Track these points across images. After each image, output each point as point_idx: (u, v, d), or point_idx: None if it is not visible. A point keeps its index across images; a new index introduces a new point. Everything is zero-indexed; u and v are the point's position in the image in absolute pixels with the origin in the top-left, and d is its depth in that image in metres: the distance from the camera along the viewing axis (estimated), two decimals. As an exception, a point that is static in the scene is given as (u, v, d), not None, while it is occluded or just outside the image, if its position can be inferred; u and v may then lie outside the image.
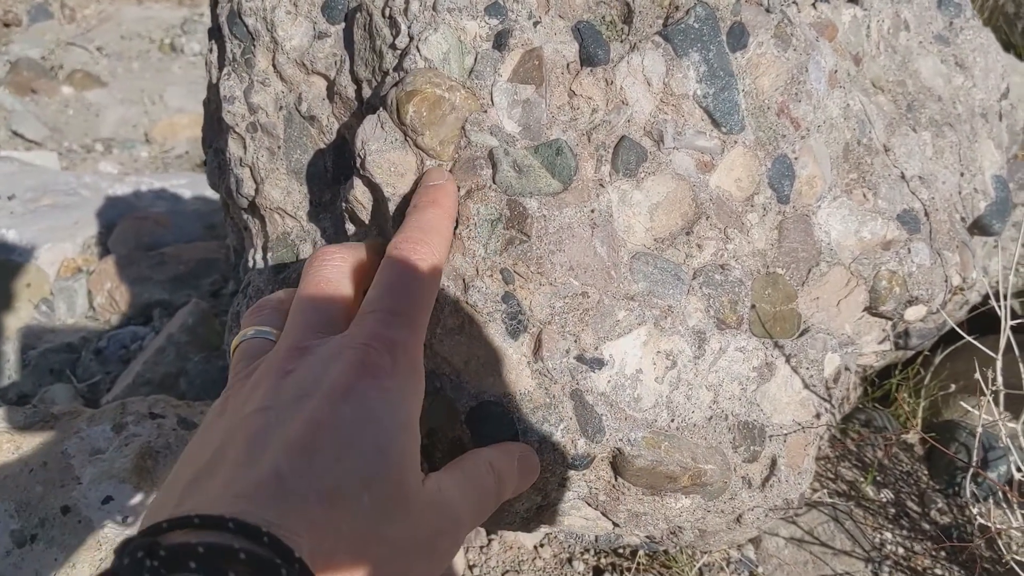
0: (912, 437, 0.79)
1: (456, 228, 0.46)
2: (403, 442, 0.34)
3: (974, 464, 0.58)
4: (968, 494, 0.65)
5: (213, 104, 0.64)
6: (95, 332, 1.41)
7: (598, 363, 0.47)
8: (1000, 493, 0.65)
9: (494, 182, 0.46)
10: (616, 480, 0.50)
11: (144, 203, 1.98)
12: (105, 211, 1.87)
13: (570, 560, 0.70)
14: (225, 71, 0.58)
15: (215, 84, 0.60)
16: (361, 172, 0.47)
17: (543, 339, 0.46)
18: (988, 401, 0.60)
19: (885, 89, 0.62)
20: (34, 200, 1.89)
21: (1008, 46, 1.25)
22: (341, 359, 0.35)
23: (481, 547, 0.70)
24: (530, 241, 0.46)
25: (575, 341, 0.46)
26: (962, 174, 0.65)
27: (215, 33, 0.61)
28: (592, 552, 0.71)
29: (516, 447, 0.44)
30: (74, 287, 1.49)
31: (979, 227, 0.68)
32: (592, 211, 0.48)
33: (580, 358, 0.47)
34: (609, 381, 0.47)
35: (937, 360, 0.79)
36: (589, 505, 0.52)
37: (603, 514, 0.52)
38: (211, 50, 0.62)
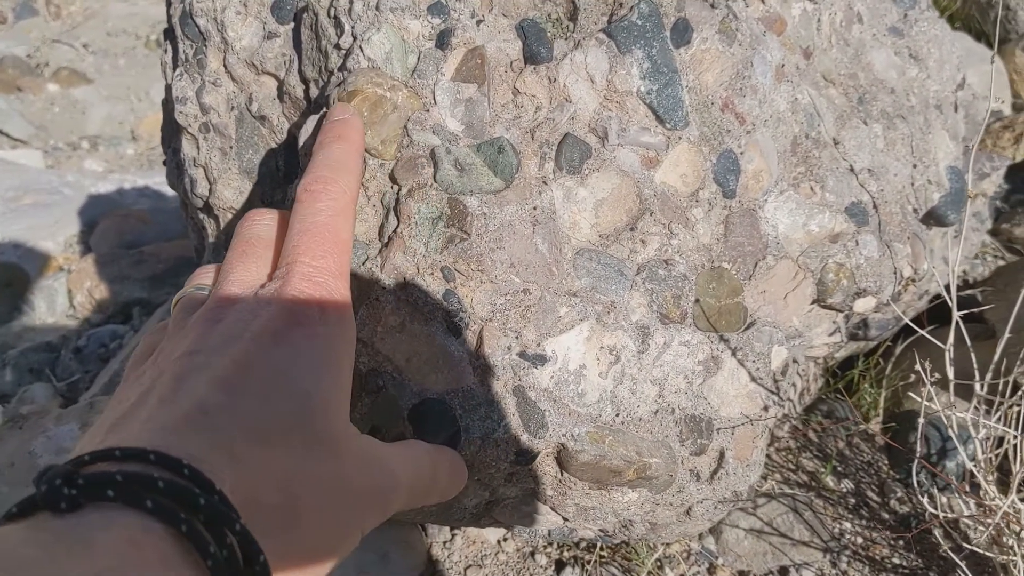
0: (873, 427, 0.79)
1: (397, 227, 0.46)
2: (329, 388, 0.34)
3: (918, 454, 0.59)
4: (916, 484, 0.65)
5: (170, 105, 0.64)
6: (75, 331, 1.41)
7: (540, 359, 0.47)
8: (949, 483, 0.66)
9: (435, 180, 0.46)
10: (562, 475, 0.50)
11: (127, 200, 1.98)
12: (87, 209, 1.87)
13: (532, 554, 0.71)
14: (177, 72, 0.58)
15: (170, 85, 0.61)
16: (304, 172, 0.47)
17: (484, 336, 0.46)
18: (932, 391, 0.61)
19: (836, 82, 0.63)
20: (16, 199, 1.89)
21: (980, 35, 1.26)
22: (269, 307, 0.35)
23: (444, 542, 0.71)
24: (470, 239, 0.46)
25: (517, 338, 0.47)
26: (915, 165, 0.66)
27: (169, 34, 0.61)
28: (555, 546, 0.71)
29: (448, 450, 0.44)
30: (54, 286, 1.49)
31: (934, 218, 0.69)
32: (534, 208, 0.48)
33: (522, 354, 0.47)
34: (552, 377, 0.48)
35: (898, 351, 0.80)
36: (538, 500, 0.53)
37: (552, 508, 0.53)
38: (166, 51, 0.62)
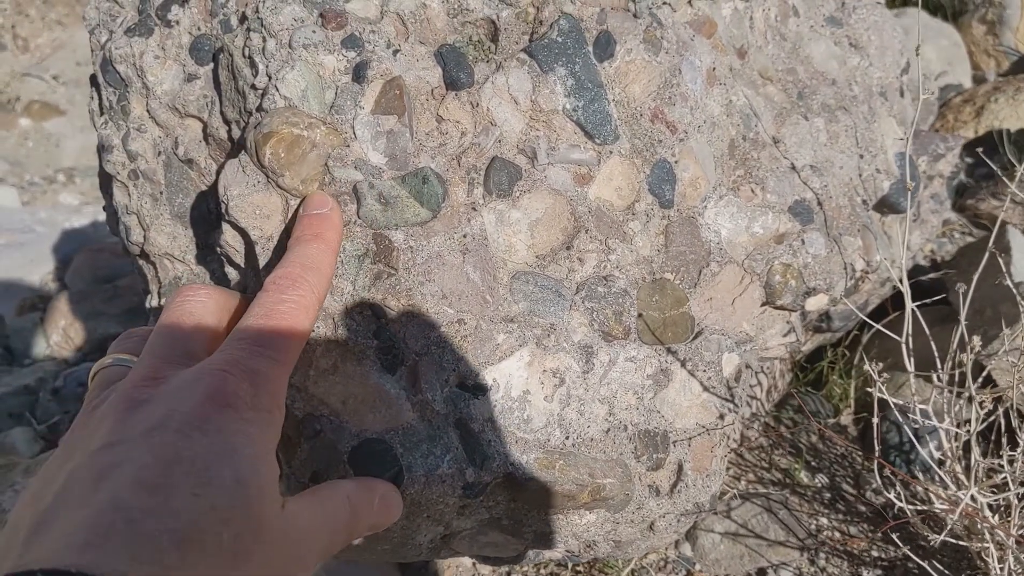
0: (846, 418, 0.79)
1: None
2: (263, 474, 0.32)
3: (878, 454, 0.58)
4: (881, 480, 0.65)
5: (100, 152, 0.63)
6: (52, 371, 1.40)
7: (481, 389, 0.47)
8: (906, 480, 0.66)
9: (359, 216, 0.46)
10: (514, 504, 0.49)
11: (102, 234, 1.97)
12: (62, 245, 1.86)
13: (508, 574, 0.70)
14: (102, 119, 0.57)
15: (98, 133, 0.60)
16: (227, 218, 0.46)
17: (420, 371, 0.46)
18: (907, 380, 0.60)
19: (774, 79, 0.62)
20: (-11, 241, 1.88)
21: (935, 9, 1.25)
22: (197, 387, 0.33)
23: (418, 569, 0.70)
24: (398, 274, 0.45)
25: (454, 369, 0.46)
26: (861, 156, 0.65)
27: (93, 81, 0.60)
28: (531, 565, 0.71)
29: (379, 484, 0.43)
30: (29, 327, 1.48)
31: (887, 206, 0.68)
32: (464, 236, 0.47)
33: (462, 385, 0.46)
34: (495, 406, 0.47)
35: (865, 339, 0.79)
36: (495, 529, 0.52)
37: (511, 536, 0.52)
38: (92, 98, 0.61)
